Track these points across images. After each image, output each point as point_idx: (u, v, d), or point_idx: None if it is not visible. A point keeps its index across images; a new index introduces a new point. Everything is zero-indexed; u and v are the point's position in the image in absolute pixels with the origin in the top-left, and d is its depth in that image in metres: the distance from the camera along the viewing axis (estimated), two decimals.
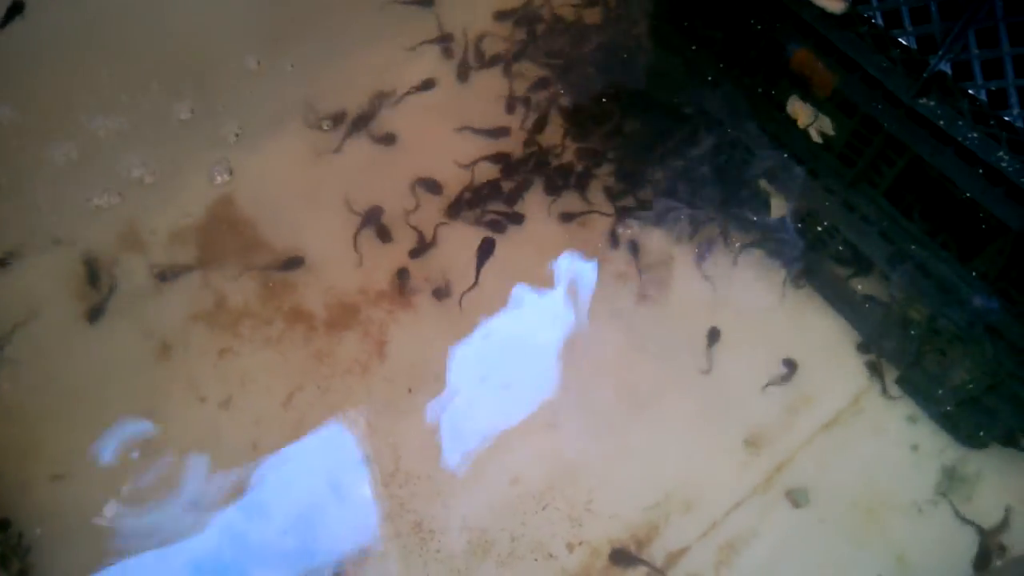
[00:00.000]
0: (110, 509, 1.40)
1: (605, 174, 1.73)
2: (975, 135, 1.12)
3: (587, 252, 1.67)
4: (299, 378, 1.52)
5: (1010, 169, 1.11)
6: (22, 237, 1.58)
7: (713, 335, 1.56)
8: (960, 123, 1.12)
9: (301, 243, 1.63)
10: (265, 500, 1.42)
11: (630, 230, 1.67)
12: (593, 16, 1.84)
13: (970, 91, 1.10)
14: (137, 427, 1.47)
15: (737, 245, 1.62)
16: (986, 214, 1.19)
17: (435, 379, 1.53)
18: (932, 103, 1.14)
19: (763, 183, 1.52)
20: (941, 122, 1.13)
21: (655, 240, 1.67)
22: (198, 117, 1.71)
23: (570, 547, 1.42)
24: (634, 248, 1.64)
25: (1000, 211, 1.16)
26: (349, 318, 1.57)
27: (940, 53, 1.08)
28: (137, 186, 1.65)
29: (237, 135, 1.69)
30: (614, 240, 1.65)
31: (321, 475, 1.45)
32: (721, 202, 1.61)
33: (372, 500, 1.43)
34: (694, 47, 1.48)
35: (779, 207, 1.56)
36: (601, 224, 1.68)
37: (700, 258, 1.62)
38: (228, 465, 1.44)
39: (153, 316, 1.55)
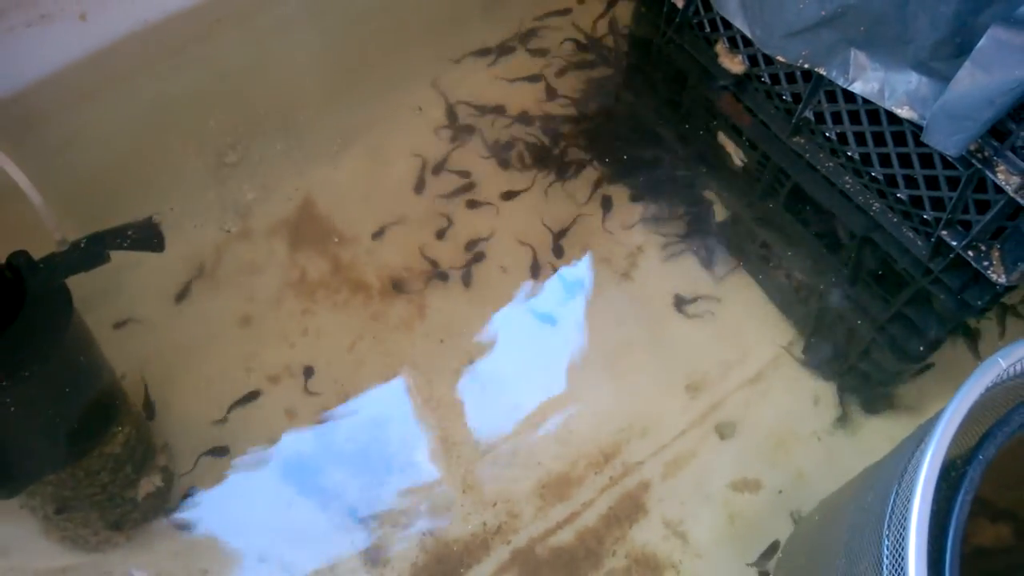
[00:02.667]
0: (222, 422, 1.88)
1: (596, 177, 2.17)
2: (830, 164, 1.58)
3: (581, 239, 2.13)
4: (360, 331, 1.96)
5: (852, 190, 1.57)
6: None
7: (668, 307, 2.05)
8: (820, 156, 1.58)
9: (362, 231, 2.10)
10: (335, 416, 1.87)
11: (613, 225, 2.15)
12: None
13: (825, 133, 1.57)
14: (242, 362, 1.93)
15: (688, 238, 2.05)
16: (843, 222, 1.67)
17: (460, 335, 1.98)
18: (802, 141, 1.61)
19: (708, 193, 2.00)
20: (808, 156, 1.60)
21: (631, 233, 2.10)
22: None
23: (555, 458, 1.86)
24: (615, 238, 2.11)
25: (850, 221, 1.62)
26: (398, 288, 2.03)
27: (801, 106, 1.55)
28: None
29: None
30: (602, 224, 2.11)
31: (375, 400, 1.89)
32: (680, 206, 2.08)
33: (412, 418, 1.87)
34: (658, 102, 1.95)
35: (720, 212, 2.04)
36: (592, 221, 2.15)
37: (662, 247, 2.08)
38: (308, 392, 1.90)
39: (256, 285, 2.03)
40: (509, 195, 2.15)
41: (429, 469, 1.84)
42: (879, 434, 1.89)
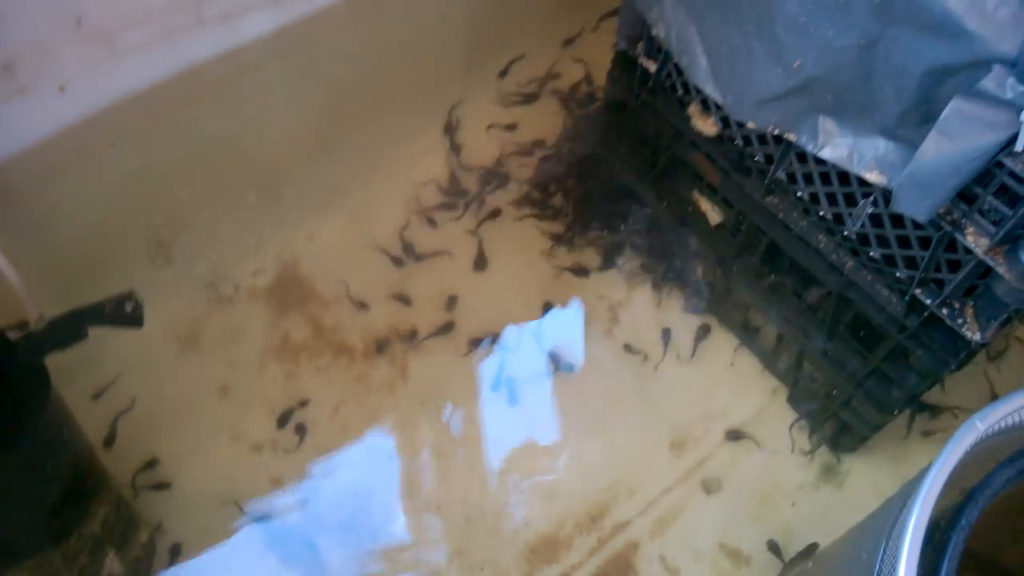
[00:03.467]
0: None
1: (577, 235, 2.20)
2: (804, 223, 1.60)
3: (563, 296, 2.14)
4: (343, 395, 1.96)
5: (826, 248, 1.59)
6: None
7: (651, 362, 2.05)
8: (794, 215, 1.60)
9: (344, 293, 2.09)
10: (320, 482, 1.86)
11: (594, 282, 2.19)
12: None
13: (797, 193, 1.59)
14: (225, 430, 1.91)
15: (669, 293, 2.10)
16: (818, 279, 1.69)
17: (443, 396, 1.97)
18: (776, 201, 1.63)
19: (687, 250, 2.01)
20: (782, 215, 1.62)
21: (613, 289, 2.13)
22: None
23: (543, 519, 1.83)
24: (596, 294, 2.13)
25: (823, 278, 1.64)
26: (381, 350, 2.03)
27: (773, 168, 1.57)
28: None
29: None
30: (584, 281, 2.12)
31: (360, 465, 1.88)
32: (660, 262, 2.10)
33: (398, 483, 1.85)
34: (635, 162, 1.96)
35: (699, 268, 2.05)
36: (573, 278, 2.15)
37: (643, 302, 2.09)
38: (291, 457, 1.89)
39: (237, 350, 2.02)
40: (487, 255, 2.17)
41: (416, 535, 1.82)
42: (865, 484, 1.90)
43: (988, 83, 1.12)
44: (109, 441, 1.86)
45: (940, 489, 1.11)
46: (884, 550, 1.18)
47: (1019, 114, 1.11)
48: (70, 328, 1.54)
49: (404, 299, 2.10)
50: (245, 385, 1.97)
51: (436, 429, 1.95)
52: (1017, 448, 1.21)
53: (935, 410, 1.95)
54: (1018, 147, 1.13)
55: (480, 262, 2.15)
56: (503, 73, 2.41)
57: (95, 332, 1.54)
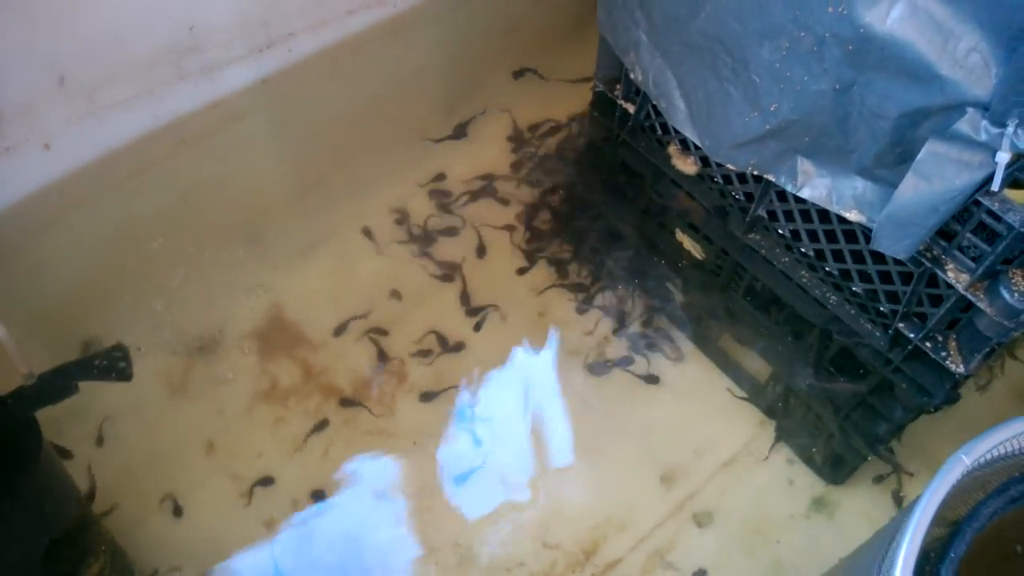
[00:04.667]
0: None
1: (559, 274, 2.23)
2: (786, 259, 1.62)
3: (547, 334, 2.15)
4: (332, 437, 1.97)
5: (809, 284, 1.62)
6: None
7: (638, 397, 2.07)
8: (776, 251, 1.63)
9: (330, 336, 2.10)
10: (312, 526, 1.85)
11: (580, 320, 2.20)
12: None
13: (778, 231, 1.62)
14: (214, 475, 1.90)
15: (655, 329, 2.10)
16: (801, 314, 1.71)
17: (431, 436, 1.98)
18: (758, 237, 1.66)
19: (671, 286, 2.05)
20: (764, 251, 1.64)
21: (598, 326, 2.14)
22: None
23: (536, 558, 1.85)
24: (597, 323, 2.14)
25: (807, 313, 1.66)
26: (367, 391, 2.04)
27: (754, 206, 1.60)
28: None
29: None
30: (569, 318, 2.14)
31: (351, 507, 1.88)
32: (644, 298, 2.12)
33: (390, 525, 1.85)
34: (616, 201, 2.00)
35: (683, 304, 2.07)
36: (558, 315, 2.20)
37: (628, 338, 2.12)
38: (282, 499, 1.88)
39: (226, 396, 2.02)
40: (472, 294, 2.18)
41: None
42: (856, 514, 1.91)
43: (962, 125, 1.14)
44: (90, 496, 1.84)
45: (928, 522, 1.12)
46: None
47: (994, 155, 1.13)
48: (60, 383, 1.54)
49: (390, 338, 2.11)
50: (234, 430, 1.96)
51: (426, 470, 1.94)
52: (1004, 479, 1.23)
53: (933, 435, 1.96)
54: (994, 187, 1.15)
55: (465, 298, 2.16)
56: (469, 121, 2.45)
57: (84, 384, 1.54)
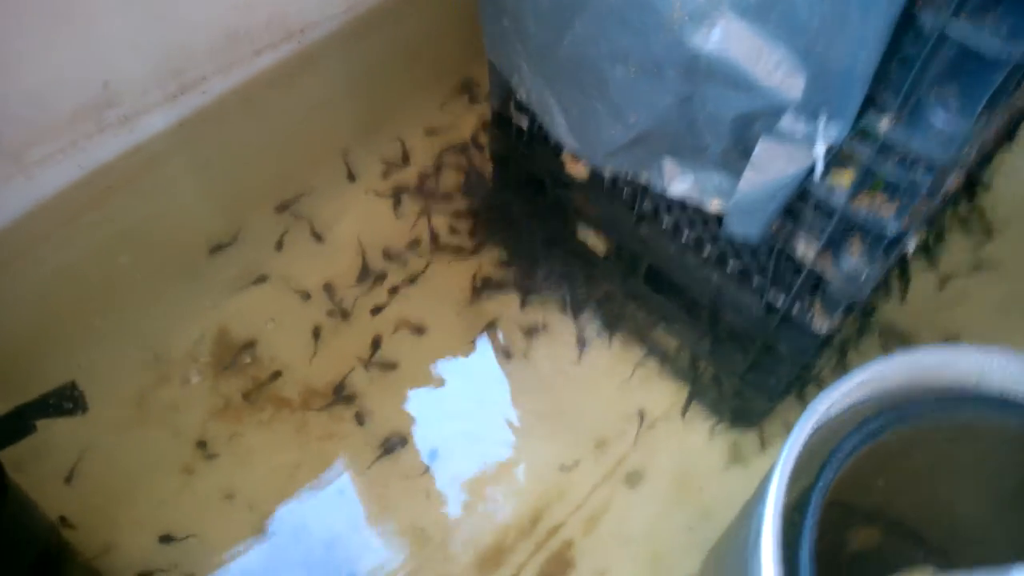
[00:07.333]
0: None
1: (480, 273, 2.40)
2: (672, 247, 1.77)
3: (476, 330, 2.33)
4: (287, 446, 2.12)
5: (694, 266, 1.78)
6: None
7: (566, 378, 2.26)
8: (663, 241, 1.74)
9: (278, 353, 2.25)
10: (276, 534, 2.00)
11: (508, 314, 2.36)
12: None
13: (662, 223, 1.76)
14: (176, 497, 2.05)
15: (576, 316, 2.29)
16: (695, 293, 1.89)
17: (380, 431, 2.14)
18: (646, 230, 1.80)
19: (582, 279, 2.22)
20: (652, 242, 1.78)
21: (524, 317, 2.33)
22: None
23: (487, 533, 2.01)
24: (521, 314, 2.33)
25: (696, 291, 1.80)
26: (319, 400, 2.20)
27: (637, 203, 1.72)
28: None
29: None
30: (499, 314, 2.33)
31: (311, 511, 2.03)
32: (560, 290, 2.30)
33: (351, 521, 2.02)
34: (524, 207, 2.15)
35: (595, 293, 2.25)
36: (488, 311, 2.36)
37: (553, 328, 2.30)
38: (246, 509, 2.03)
39: (182, 419, 2.15)
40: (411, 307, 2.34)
41: (374, 570, 1.98)
42: (769, 461, 2.10)
43: (784, 124, 1.32)
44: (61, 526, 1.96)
45: (788, 476, 1.31)
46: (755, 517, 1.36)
47: (811, 148, 1.31)
48: (16, 424, 1.64)
49: (334, 352, 2.27)
50: (195, 452, 2.11)
51: (380, 467, 2.11)
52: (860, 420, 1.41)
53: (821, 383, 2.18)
54: (816, 176, 1.33)
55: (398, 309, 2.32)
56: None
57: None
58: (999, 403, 1.36)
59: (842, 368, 2.18)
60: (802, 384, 2.11)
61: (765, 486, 1.40)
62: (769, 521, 1.27)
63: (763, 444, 2.14)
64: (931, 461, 1.57)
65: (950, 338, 2.28)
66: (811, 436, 1.37)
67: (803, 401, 2.13)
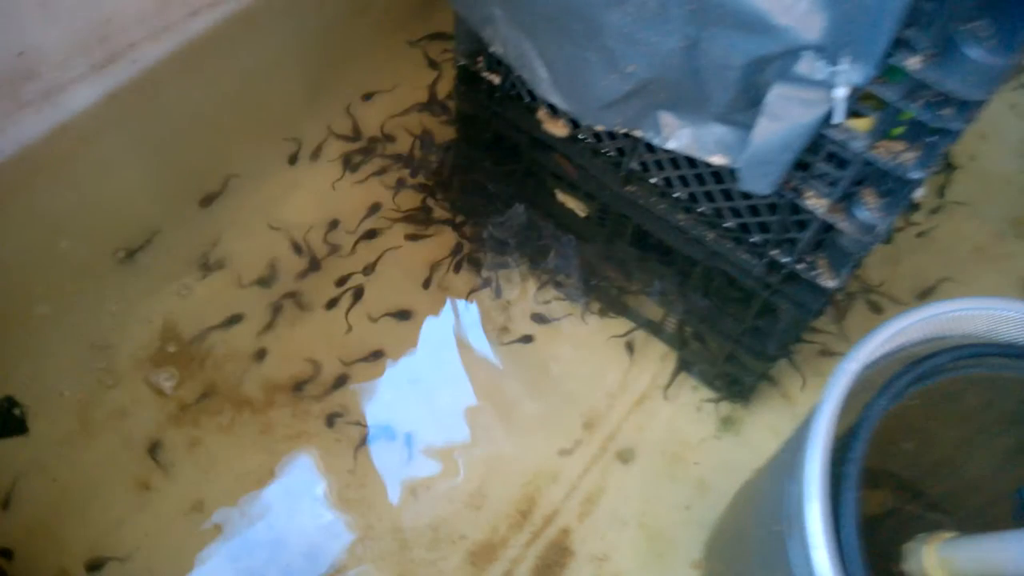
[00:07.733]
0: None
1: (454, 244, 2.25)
2: (663, 206, 1.69)
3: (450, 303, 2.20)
4: (250, 447, 1.95)
5: (686, 225, 1.70)
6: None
7: (545, 354, 2.14)
8: (652, 200, 1.70)
9: (233, 347, 2.06)
10: (245, 537, 1.86)
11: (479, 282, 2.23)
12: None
13: (652, 180, 1.68)
14: (132, 510, 1.87)
15: (554, 286, 2.17)
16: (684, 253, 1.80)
17: (350, 427, 2.00)
18: (634, 189, 1.72)
19: (561, 245, 2.09)
20: (641, 201, 1.72)
21: (495, 291, 2.18)
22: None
23: (476, 527, 1.90)
24: (496, 291, 2.19)
25: (689, 251, 1.75)
26: (283, 396, 2.03)
27: (626, 160, 1.65)
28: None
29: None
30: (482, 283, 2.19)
31: (282, 513, 1.88)
32: (539, 260, 2.16)
33: (328, 523, 1.89)
34: (496, 170, 2.01)
35: (576, 259, 2.12)
36: (461, 286, 2.21)
37: (531, 300, 2.20)
38: (214, 512, 1.88)
39: (132, 427, 1.96)
40: (368, 285, 2.19)
41: (357, 569, 1.84)
42: (762, 427, 2.06)
43: (801, 68, 1.22)
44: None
45: (832, 422, 1.22)
46: (792, 484, 1.28)
47: (829, 91, 1.22)
48: None
49: (294, 344, 2.10)
50: (148, 462, 1.92)
51: (352, 463, 1.96)
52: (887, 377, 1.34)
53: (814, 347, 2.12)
54: (836, 119, 1.24)
55: (359, 294, 2.16)
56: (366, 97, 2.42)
57: None
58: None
59: (839, 328, 2.14)
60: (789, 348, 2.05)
61: (793, 458, 1.32)
62: (815, 496, 1.18)
63: (757, 412, 2.07)
64: (940, 418, 1.53)
65: (927, 286, 2.26)
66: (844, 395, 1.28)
67: (794, 365, 2.07)
